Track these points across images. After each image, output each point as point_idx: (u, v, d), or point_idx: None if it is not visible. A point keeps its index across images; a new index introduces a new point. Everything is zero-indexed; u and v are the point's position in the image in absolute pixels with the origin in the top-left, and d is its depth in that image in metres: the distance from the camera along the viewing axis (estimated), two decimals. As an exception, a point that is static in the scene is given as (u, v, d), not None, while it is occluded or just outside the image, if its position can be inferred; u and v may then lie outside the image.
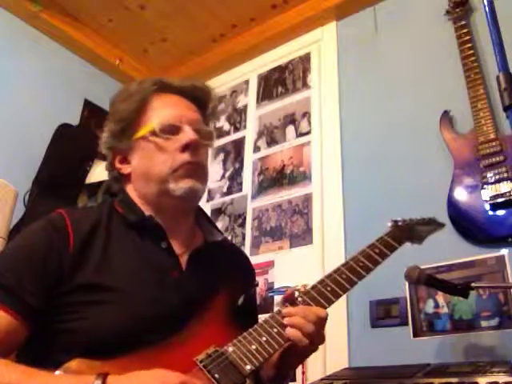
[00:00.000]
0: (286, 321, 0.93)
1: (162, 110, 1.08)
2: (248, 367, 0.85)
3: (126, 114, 1.07)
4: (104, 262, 0.96)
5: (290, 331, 0.92)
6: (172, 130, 1.05)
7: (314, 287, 1.00)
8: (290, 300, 0.98)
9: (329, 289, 0.99)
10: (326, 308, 0.97)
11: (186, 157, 1.03)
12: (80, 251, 0.95)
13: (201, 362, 0.85)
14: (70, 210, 1.03)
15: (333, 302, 0.98)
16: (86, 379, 0.77)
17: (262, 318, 0.98)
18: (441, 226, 1.34)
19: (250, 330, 0.92)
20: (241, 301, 1.04)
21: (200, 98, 1.15)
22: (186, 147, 1.04)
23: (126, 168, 1.09)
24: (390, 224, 1.20)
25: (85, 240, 0.97)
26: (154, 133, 1.05)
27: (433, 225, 1.31)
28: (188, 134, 1.04)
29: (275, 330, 0.92)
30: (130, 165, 1.09)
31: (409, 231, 1.22)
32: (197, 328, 0.94)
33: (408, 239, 1.21)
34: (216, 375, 0.83)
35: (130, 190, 1.09)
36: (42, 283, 0.91)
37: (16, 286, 0.89)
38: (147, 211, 1.05)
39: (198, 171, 1.06)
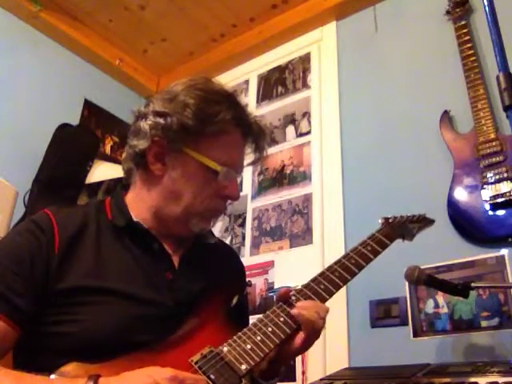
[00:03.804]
0: (297, 309, 0.93)
1: (229, 152, 1.04)
2: (243, 367, 0.85)
3: (198, 127, 0.99)
4: (96, 264, 0.95)
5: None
6: (227, 176, 1.03)
7: (307, 285, 1.00)
8: (284, 299, 0.98)
9: (322, 287, 0.99)
10: None
11: (221, 206, 1.06)
12: (67, 251, 0.94)
13: (196, 362, 0.84)
14: (56, 209, 1.01)
15: (326, 300, 0.99)
16: (78, 382, 0.76)
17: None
18: (431, 222, 1.35)
19: (245, 329, 0.91)
20: (235, 301, 1.04)
21: (254, 149, 1.12)
22: (226, 198, 1.06)
23: (159, 169, 1.02)
24: (381, 221, 1.21)
25: (72, 240, 0.96)
26: (213, 171, 1.01)
27: (423, 222, 1.32)
28: (235, 190, 1.05)
29: (270, 329, 0.92)
30: (164, 167, 1.02)
31: (400, 228, 1.23)
32: (192, 329, 0.93)
33: (399, 236, 1.23)
34: (212, 376, 0.82)
35: (142, 191, 1.05)
36: (30, 285, 0.90)
37: (4, 290, 0.88)
38: (140, 216, 1.03)
39: (218, 217, 1.10)
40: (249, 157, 1.12)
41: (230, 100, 1.04)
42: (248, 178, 2.44)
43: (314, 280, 1.01)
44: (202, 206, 1.02)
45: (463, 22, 1.90)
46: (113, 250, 0.99)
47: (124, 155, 1.10)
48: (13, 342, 0.89)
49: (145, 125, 1.01)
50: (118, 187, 1.11)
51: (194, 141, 1.00)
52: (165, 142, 1.00)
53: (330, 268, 1.04)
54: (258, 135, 1.10)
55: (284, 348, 0.95)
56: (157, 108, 1.02)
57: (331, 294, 0.99)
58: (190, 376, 0.80)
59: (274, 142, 2.43)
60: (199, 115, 0.99)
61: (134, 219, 1.02)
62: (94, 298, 0.91)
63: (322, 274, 1.02)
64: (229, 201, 1.08)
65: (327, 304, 0.99)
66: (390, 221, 1.21)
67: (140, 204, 1.05)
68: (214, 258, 1.11)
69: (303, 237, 2.11)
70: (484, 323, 1.57)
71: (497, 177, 1.63)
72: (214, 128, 1.00)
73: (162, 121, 1.00)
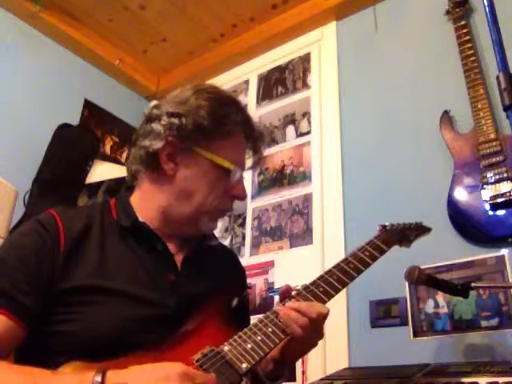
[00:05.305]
0: (283, 312, 0.94)
1: (238, 153, 1.09)
2: (244, 366, 0.85)
3: (212, 127, 1.02)
4: (100, 264, 0.96)
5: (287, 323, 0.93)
6: (238, 175, 1.07)
7: (306, 288, 1.01)
8: (286, 296, 0.99)
9: (321, 289, 1.00)
10: None
11: (229, 205, 1.10)
12: (71, 251, 0.95)
13: (197, 361, 0.84)
14: (60, 209, 1.02)
15: (325, 303, 0.99)
16: (85, 376, 0.76)
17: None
18: (428, 230, 1.37)
19: (245, 329, 0.92)
20: (235, 303, 1.05)
21: (253, 153, 1.16)
22: (234, 198, 1.09)
23: (172, 168, 1.04)
24: (378, 228, 1.23)
25: (77, 240, 0.97)
26: (225, 169, 1.04)
27: (420, 229, 1.34)
28: (243, 190, 1.09)
29: (270, 329, 0.92)
30: (176, 166, 1.04)
31: (397, 235, 1.25)
32: (193, 329, 0.94)
33: (396, 242, 1.25)
34: (212, 374, 0.83)
35: (151, 192, 1.06)
36: (36, 284, 0.91)
37: (11, 289, 0.89)
38: (146, 217, 1.04)
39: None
40: (247, 161, 1.16)
41: (237, 104, 1.10)
42: (248, 177, 2.44)
43: (313, 283, 1.02)
44: (213, 205, 1.04)
45: (463, 22, 1.90)
46: (117, 250, 1.00)
47: (130, 157, 1.12)
48: (19, 339, 0.89)
49: (158, 126, 1.03)
50: (122, 189, 1.13)
51: (206, 141, 1.03)
52: (178, 142, 1.03)
53: (328, 272, 1.05)
54: (257, 139, 1.14)
55: (288, 348, 0.97)
56: (170, 109, 1.04)
57: (330, 297, 1.00)
58: (200, 374, 0.80)
59: (274, 142, 2.43)
60: (213, 116, 1.03)
61: (140, 220, 1.04)
62: (96, 297, 0.92)
63: (320, 278, 1.03)
64: (236, 201, 1.11)
65: (327, 305, 0.99)
66: (388, 228, 1.24)
67: (147, 204, 1.06)
68: (215, 260, 1.12)
69: (303, 237, 2.11)
70: (484, 323, 1.57)
71: (497, 177, 1.63)
72: (226, 129, 1.05)
73: (176, 121, 1.02)
